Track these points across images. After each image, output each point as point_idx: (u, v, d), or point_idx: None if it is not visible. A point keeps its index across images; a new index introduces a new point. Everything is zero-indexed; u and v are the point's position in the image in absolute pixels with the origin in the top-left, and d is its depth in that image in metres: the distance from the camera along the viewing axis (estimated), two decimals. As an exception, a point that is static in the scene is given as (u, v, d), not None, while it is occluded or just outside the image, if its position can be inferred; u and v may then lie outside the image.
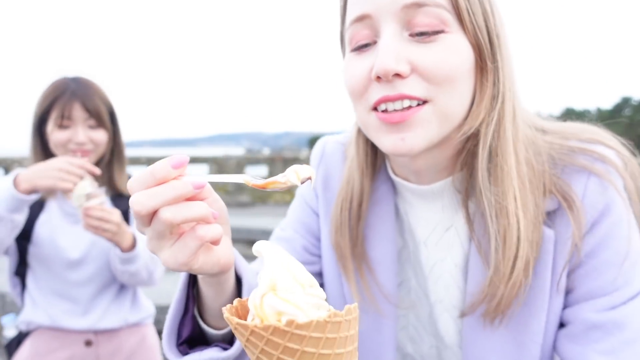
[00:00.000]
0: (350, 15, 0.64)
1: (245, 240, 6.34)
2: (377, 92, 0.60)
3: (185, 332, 0.60)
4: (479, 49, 0.61)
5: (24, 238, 1.46)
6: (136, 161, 11.65)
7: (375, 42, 0.62)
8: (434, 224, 0.74)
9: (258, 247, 0.45)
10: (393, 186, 0.77)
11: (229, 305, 0.46)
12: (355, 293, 0.76)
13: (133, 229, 1.48)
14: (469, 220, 0.69)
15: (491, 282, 0.64)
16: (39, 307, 1.48)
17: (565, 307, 0.67)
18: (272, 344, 0.40)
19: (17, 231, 1.35)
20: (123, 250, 1.41)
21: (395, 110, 0.60)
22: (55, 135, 1.43)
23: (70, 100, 1.42)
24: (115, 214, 1.35)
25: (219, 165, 13.15)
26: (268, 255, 0.44)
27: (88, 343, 1.49)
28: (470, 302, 0.68)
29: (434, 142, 0.62)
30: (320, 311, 0.42)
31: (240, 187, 13.21)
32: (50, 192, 1.49)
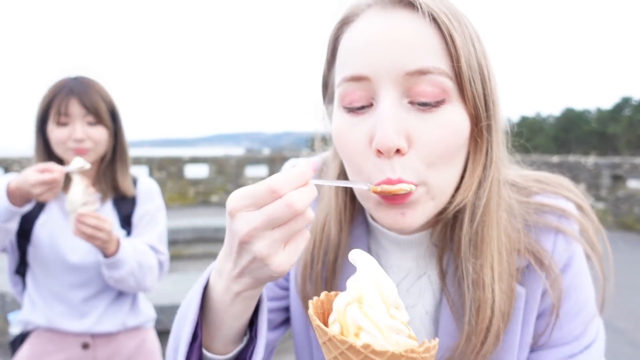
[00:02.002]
0: (345, 71, 0.60)
1: (245, 240, 6.33)
2: (379, 171, 0.57)
3: (195, 358, 0.59)
4: (476, 119, 0.59)
5: (24, 238, 1.45)
6: (136, 161, 11.64)
7: (370, 105, 0.59)
8: (406, 271, 0.73)
9: (354, 255, 0.45)
10: (367, 227, 0.75)
11: (315, 299, 0.47)
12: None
13: (120, 234, 1.45)
14: (442, 275, 0.68)
15: (461, 349, 0.65)
16: (37, 308, 1.47)
17: (530, 351, 0.69)
18: (346, 357, 0.41)
19: (11, 236, 1.34)
20: (107, 255, 1.38)
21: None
22: (54, 133, 1.41)
23: (67, 96, 1.39)
24: (108, 222, 1.32)
25: (219, 165, 13.14)
26: (362, 265, 0.44)
27: (85, 346, 1.47)
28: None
29: (432, 215, 0.62)
30: (399, 336, 0.41)
31: (240, 187, 13.20)
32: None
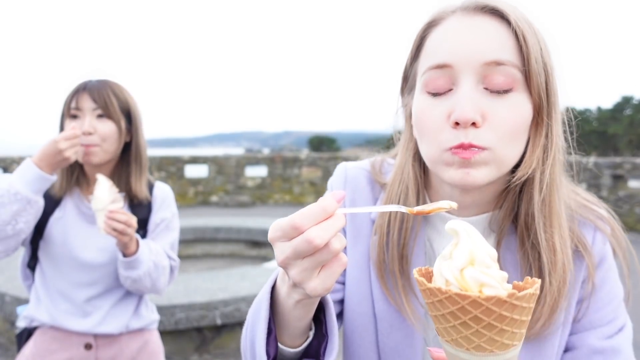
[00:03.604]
0: (430, 62, 0.70)
1: (245, 240, 6.32)
2: (454, 137, 0.67)
3: (272, 352, 0.64)
4: (539, 107, 0.69)
5: (37, 232, 1.46)
6: (136, 161, 11.61)
7: (450, 90, 0.69)
8: None
9: (453, 226, 0.49)
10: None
11: (418, 269, 0.52)
12: (401, 309, 0.80)
13: (137, 235, 1.47)
14: (498, 260, 0.74)
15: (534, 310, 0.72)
16: (42, 304, 1.48)
17: (570, 334, 0.78)
18: (466, 311, 0.45)
19: (39, 215, 1.36)
20: (126, 255, 1.40)
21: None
22: (67, 127, 1.43)
23: (81, 92, 1.44)
24: (134, 219, 1.36)
25: (218, 165, 13.14)
26: (464, 233, 0.49)
27: (88, 346, 1.47)
28: None
29: (491, 180, 0.69)
30: (507, 285, 0.47)
31: (240, 187, 13.20)
32: (68, 188, 1.50)
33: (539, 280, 0.47)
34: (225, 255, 6.23)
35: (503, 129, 0.66)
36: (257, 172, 13.68)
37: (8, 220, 1.27)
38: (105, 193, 1.32)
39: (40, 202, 1.33)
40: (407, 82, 0.81)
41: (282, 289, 0.61)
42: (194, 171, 13.25)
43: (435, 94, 0.70)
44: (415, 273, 0.50)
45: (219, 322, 3.22)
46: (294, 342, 0.66)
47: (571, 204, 0.78)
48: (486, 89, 0.67)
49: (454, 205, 0.54)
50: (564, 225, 0.73)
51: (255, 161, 13.99)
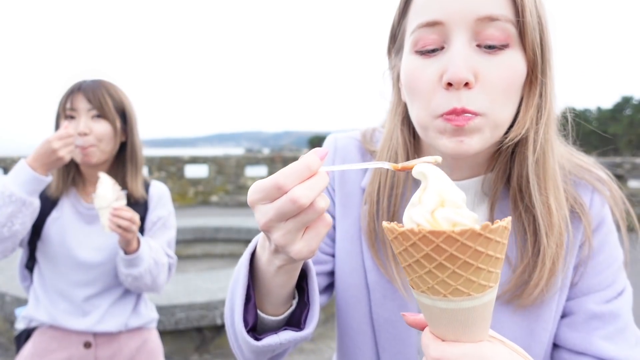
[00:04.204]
0: (420, 19, 0.67)
1: (245, 240, 6.32)
2: (446, 102, 0.64)
3: (250, 320, 0.63)
4: (533, 64, 0.67)
5: (34, 233, 1.47)
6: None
7: (442, 48, 0.66)
8: None
9: (421, 169, 0.48)
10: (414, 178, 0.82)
11: (386, 222, 0.50)
12: (392, 279, 0.79)
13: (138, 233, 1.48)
14: (492, 221, 0.73)
15: (529, 271, 0.72)
16: (41, 304, 1.48)
17: (567, 299, 0.76)
18: (440, 249, 0.43)
19: (35, 216, 1.36)
20: (128, 252, 1.41)
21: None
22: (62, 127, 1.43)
23: (75, 92, 1.44)
24: (137, 216, 1.37)
25: (218, 165, 13.14)
26: (432, 175, 0.47)
27: (87, 345, 1.48)
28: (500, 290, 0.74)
29: (486, 146, 0.67)
30: (478, 225, 0.45)
31: (240, 187, 13.20)
32: (64, 188, 1.51)
33: (509, 217, 0.45)
34: (225, 255, 6.23)
35: (497, 89, 0.64)
36: (257, 172, 13.68)
37: (4, 222, 1.28)
38: (109, 191, 1.33)
39: (36, 203, 1.33)
40: (395, 41, 0.78)
41: (263, 256, 0.59)
42: (194, 171, 13.24)
43: (425, 54, 0.67)
44: (384, 223, 0.48)
45: (219, 322, 3.22)
46: (277, 310, 0.65)
47: (565, 165, 0.76)
48: (479, 46, 0.65)
49: (439, 159, 0.52)
50: (560, 187, 0.72)
51: (255, 161, 13.98)
